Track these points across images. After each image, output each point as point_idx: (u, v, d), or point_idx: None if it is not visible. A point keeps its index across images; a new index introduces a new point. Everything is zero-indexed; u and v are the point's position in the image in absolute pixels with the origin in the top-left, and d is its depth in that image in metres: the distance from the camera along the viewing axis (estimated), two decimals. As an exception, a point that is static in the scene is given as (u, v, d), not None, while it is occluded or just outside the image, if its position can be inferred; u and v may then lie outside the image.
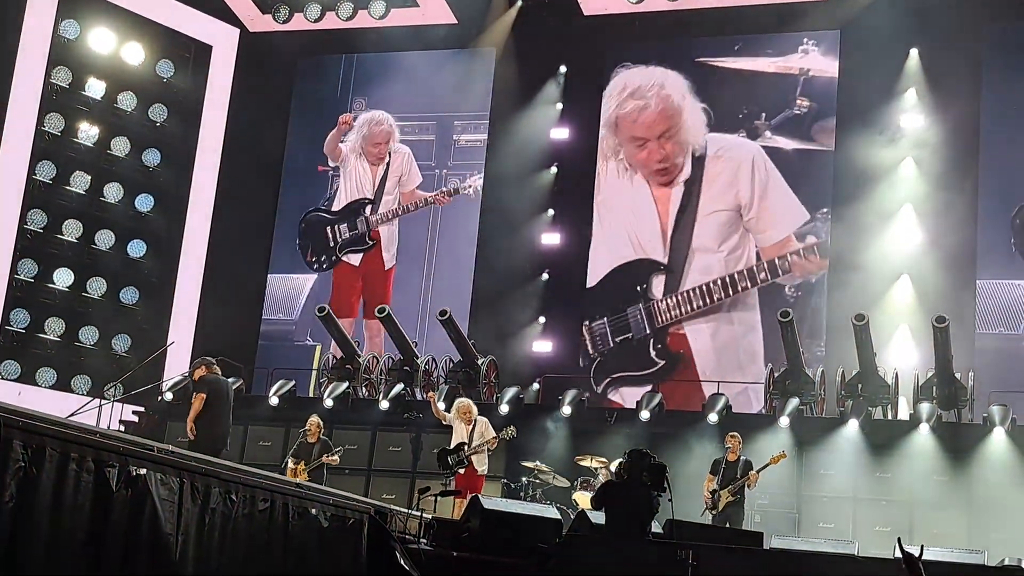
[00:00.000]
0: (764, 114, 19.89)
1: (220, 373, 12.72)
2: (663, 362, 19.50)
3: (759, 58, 20.16)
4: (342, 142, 22.36)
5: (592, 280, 20.34)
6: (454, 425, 13.76)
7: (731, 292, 19.36)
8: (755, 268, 19.31)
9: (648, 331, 19.72)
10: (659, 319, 19.70)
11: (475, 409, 13.84)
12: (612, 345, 19.93)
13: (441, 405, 14.70)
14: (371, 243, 21.88)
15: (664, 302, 19.69)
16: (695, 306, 19.44)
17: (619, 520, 9.77)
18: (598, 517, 10.21)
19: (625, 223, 20.32)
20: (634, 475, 9.87)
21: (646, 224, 20.09)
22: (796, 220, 19.27)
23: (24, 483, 6.24)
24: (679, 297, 19.62)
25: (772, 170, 19.57)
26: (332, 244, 22.04)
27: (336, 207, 22.21)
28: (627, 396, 19.02)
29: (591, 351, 20.05)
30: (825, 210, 19.10)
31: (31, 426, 6.39)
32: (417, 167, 21.87)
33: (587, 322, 20.17)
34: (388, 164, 22.02)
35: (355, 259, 21.96)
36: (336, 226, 22.08)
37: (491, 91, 21.66)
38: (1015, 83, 18.34)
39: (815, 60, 19.81)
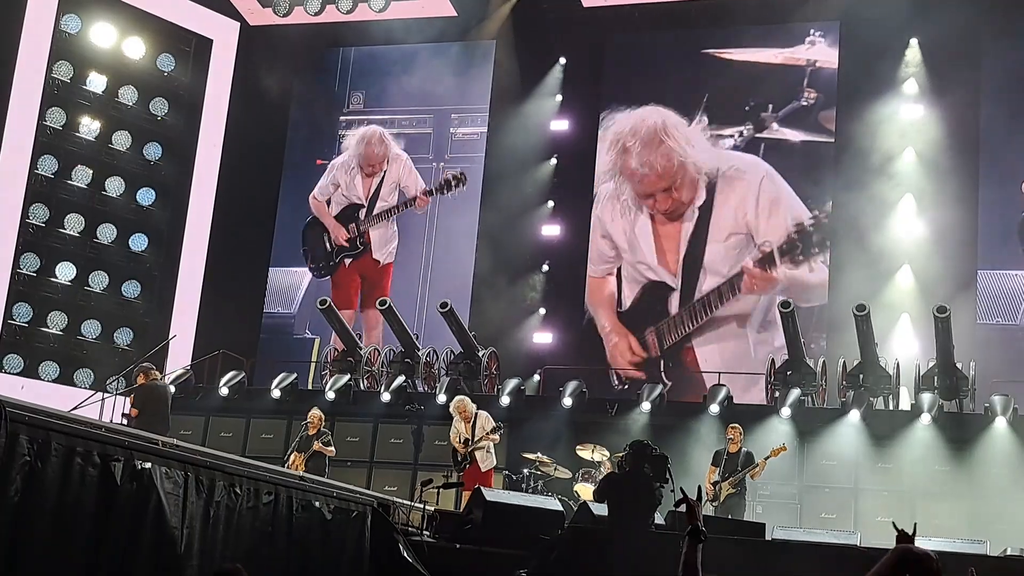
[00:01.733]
0: (771, 106, 19.87)
1: (159, 379, 13.16)
2: (670, 383, 19.20)
3: (765, 49, 20.14)
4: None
5: (625, 303, 20.21)
6: (454, 424, 13.74)
7: (720, 303, 19.37)
8: (723, 287, 19.33)
9: (659, 352, 19.66)
10: (668, 338, 19.64)
11: (472, 406, 13.84)
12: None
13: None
14: (362, 247, 21.89)
15: (669, 321, 19.64)
16: (692, 323, 19.39)
17: (621, 512, 9.80)
18: (600, 509, 10.24)
19: (633, 257, 20.20)
20: (636, 467, 9.90)
21: (649, 259, 20.00)
22: (798, 217, 19.22)
23: (30, 477, 6.26)
24: (680, 315, 19.59)
25: (781, 185, 19.44)
26: (329, 249, 22.06)
27: (333, 213, 22.23)
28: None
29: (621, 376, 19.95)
30: (830, 202, 19.08)
31: (37, 420, 6.41)
32: (417, 173, 21.80)
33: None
34: (384, 173, 22.01)
35: (349, 261, 22.02)
36: (331, 232, 22.10)
37: (490, 83, 21.67)
38: (1015, 72, 18.35)
39: (821, 51, 19.79)
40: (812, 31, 19.82)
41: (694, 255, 19.65)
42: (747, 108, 19.97)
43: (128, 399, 13.26)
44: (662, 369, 19.51)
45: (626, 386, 19.34)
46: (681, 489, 5.17)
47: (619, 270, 20.25)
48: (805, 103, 19.70)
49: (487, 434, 13.42)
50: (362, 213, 22.00)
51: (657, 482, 9.83)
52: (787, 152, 19.63)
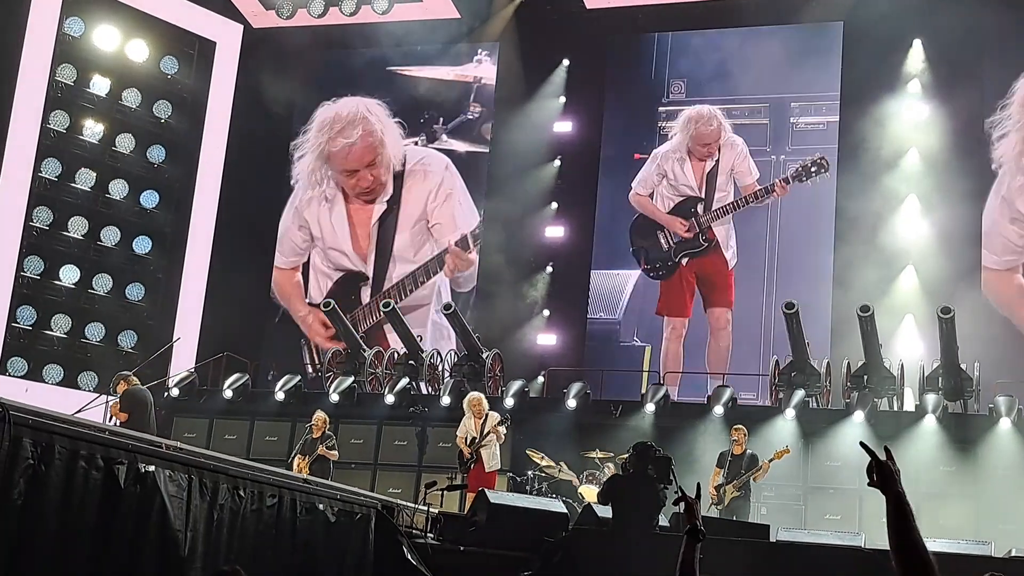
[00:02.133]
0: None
1: (139, 384, 13.11)
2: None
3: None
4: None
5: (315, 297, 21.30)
6: (464, 420, 13.73)
7: (407, 293, 20.81)
8: (417, 272, 20.88)
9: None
10: (361, 325, 20.57)
11: (487, 404, 13.83)
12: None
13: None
14: (705, 244, 20.07)
15: (365, 308, 20.87)
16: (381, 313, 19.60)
17: (625, 514, 9.80)
18: (604, 511, 10.24)
19: (331, 243, 21.53)
20: (640, 468, 9.89)
21: (345, 244, 21.38)
22: (469, 224, 20.93)
23: (33, 480, 6.26)
24: (373, 303, 20.79)
25: (456, 178, 21.15)
26: (666, 248, 20.29)
27: (665, 209, 20.49)
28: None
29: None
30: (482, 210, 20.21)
31: (40, 424, 6.40)
32: (752, 161, 20.10)
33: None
34: (718, 160, 20.31)
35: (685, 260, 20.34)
36: (666, 230, 20.39)
37: (493, 85, 21.66)
38: (1018, 72, 18.31)
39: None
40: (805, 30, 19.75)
41: (384, 245, 21.13)
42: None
43: (112, 406, 13.25)
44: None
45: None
46: (680, 488, 5.16)
47: (307, 263, 21.70)
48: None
49: (494, 426, 13.37)
50: (700, 207, 20.24)
51: (661, 484, 9.82)
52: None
